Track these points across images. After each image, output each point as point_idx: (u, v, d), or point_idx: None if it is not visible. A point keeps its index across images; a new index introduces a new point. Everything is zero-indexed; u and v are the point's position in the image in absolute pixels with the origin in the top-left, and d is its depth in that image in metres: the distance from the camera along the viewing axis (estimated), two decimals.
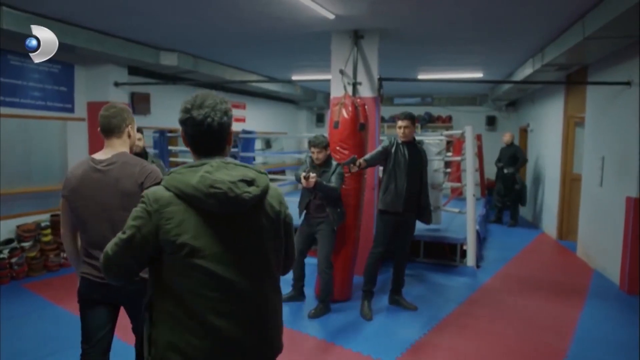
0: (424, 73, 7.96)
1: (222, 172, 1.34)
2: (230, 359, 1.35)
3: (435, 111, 11.15)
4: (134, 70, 6.25)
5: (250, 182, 1.36)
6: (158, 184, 1.41)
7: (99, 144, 2.10)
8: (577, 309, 4.25)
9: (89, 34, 5.04)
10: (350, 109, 4.08)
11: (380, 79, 5.00)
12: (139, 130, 3.38)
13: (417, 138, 8.80)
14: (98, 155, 2.08)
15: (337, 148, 4.12)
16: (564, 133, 7.02)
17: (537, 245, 6.94)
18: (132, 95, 6.42)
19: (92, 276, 2.03)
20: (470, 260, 5.34)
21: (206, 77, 6.91)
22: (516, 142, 10.30)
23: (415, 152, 3.98)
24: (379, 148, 3.96)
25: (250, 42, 5.75)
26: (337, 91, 4.73)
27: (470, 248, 5.32)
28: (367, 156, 3.93)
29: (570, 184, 6.92)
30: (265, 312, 1.41)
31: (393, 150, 3.90)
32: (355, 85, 4.89)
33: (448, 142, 8.66)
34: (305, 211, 4.02)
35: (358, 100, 4.17)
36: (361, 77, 4.92)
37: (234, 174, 1.34)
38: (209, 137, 1.40)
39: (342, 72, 4.12)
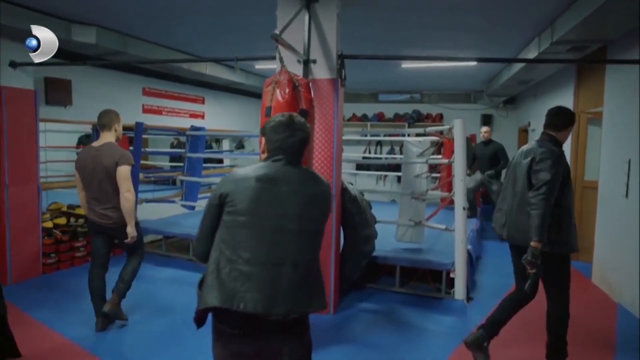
0: (408, 62, 6.79)
1: None
2: None
3: (425, 109, 9.98)
4: None
5: None
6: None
7: None
8: None
9: None
10: (287, 90, 2.88)
11: (342, 57, 3.82)
12: None
13: (402, 138, 7.73)
14: (95, 143, 3.38)
15: None
16: (573, 132, 5.81)
17: None
18: (45, 81, 5.20)
19: (93, 219, 3.38)
20: (459, 292, 4.14)
21: (142, 60, 5.70)
22: (514, 143, 9.23)
23: (530, 153, 2.87)
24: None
25: (187, 12, 4.57)
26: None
27: (460, 277, 4.13)
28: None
29: (582, 193, 5.75)
30: None
31: (517, 154, 3.05)
32: (307, 63, 3.71)
33: (439, 143, 7.53)
34: None
35: (299, 78, 2.98)
36: (315, 53, 3.74)
37: None
38: None
39: (275, 37, 2.94)
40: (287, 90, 2.88)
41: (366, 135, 9.78)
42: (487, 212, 9.00)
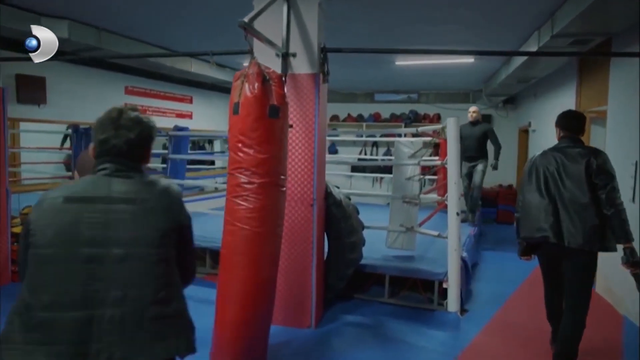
0: (402, 59, 6.51)
1: None
2: None
3: (422, 109, 9.68)
4: (15, 46, 4.76)
5: None
6: None
7: None
8: None
9: None
10: (256, 84, 2.60)
11: (324, 50, 3.54)
12: None
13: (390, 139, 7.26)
14: None
15: (238, 145, 2.64)
16: None
17: None
18: (17, 78, 4.94)
19: None
20: (453, 304, 3.85)
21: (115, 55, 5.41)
22: (514, 144, 8.94)
23: (577, 156, 2.78)
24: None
25: (170, 7, 4.31)
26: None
27: (453, 288, 3.83)
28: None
29: None
30: None
31: (538, 158, 2.94)
32: (286, 56, 3.43)
33: (435, 145, 7.22)
34: None
35: (270, 71, 2.69)
36: (295, 46, 3.46)
37: None
38: None
39: (244, 26, 2.66)
40: (256, 85, 2.60)
41: (362, 136, 9.51)
42: (487, 216, 8.72)
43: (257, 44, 3.48)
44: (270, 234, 2.71)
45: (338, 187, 4.10)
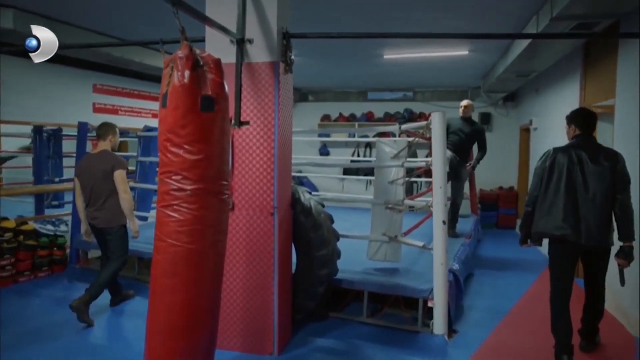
0: (390, 52, 6.06)
1: None
2: None
3: (418, 107, 9.20)
4: None
5: None
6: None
7: None
8: None
9: None
10: (186, 71, 2.14)
11: (287, 35, 3.07)
12: None
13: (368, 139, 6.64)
14: (93, 151, 3.84)
15: (166, 144, 2.18)
16: None
17: (545, 288, 4.91)
18: None
19: (88, 220, 3.74)
20: (439, 326, 3.36)
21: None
22: (515, 143, 8.46)
23: (601, 157, 2.86)
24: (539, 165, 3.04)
25: None
26: (217, 55, 2.60)
27: (439, 307, 3.34)
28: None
29: None
30: None
31: (560, 155, 2.94)
32: (241, 43, 2.98)
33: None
34: None
35: (204, 55, 2.23)
36: (252, 30, 3.00)
37: None
38: None
39: (172, 2, 2.19)
40: (186, 72, 2.14)
41: (353, 136, 9.04)
42: (487, 220, 8.21)
43: (210, 31, 3.06)
44: (208, 252, 2.25)
45: (310, 192, 3.63)
